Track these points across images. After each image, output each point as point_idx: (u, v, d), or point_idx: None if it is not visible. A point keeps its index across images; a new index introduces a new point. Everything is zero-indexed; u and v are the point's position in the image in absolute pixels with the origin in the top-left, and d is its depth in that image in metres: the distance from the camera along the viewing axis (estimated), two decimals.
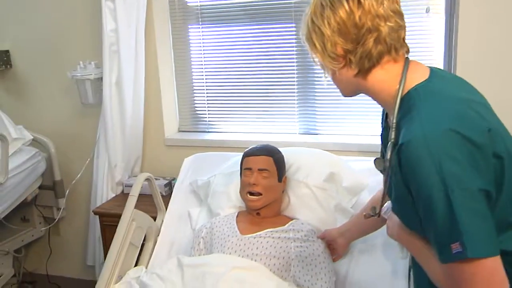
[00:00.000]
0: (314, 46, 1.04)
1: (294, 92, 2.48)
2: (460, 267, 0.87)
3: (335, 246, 1.69)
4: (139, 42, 2.45)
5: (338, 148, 2.28)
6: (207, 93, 2.64)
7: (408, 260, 1.67)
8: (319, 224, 1.75)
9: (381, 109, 2.24)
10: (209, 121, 2.68)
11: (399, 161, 0.93)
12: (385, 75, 1.02)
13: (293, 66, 2.45)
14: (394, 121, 0.99)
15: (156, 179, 2.54)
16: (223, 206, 1.87)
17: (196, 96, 2.67)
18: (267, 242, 1.64)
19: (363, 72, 1.02)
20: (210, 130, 2.69)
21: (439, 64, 2.16)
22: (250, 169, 1.73)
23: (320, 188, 1.81)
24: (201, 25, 2.56)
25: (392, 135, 0.99)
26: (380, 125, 1.27)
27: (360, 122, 2.41)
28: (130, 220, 1.85)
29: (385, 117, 1.18)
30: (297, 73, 2.45)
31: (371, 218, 1.53)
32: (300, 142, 2.44)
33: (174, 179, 2.55)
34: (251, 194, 1.72)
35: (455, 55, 2.03)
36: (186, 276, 1.61)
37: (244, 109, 2.60)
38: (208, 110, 2.67)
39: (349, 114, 2.42)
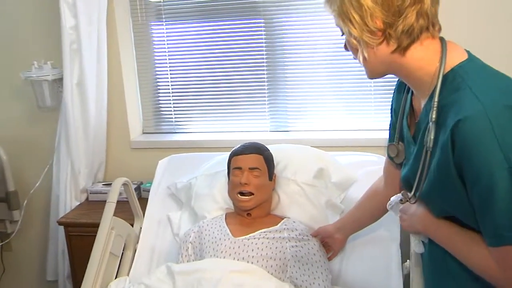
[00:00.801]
0: (350, 20, 0.97)
1: (264, 89, 2.44)
2: None
3: (331, 242, 1.65)
4: (101, 40, 2.31)
5: (310, 144, 2.26)
6: (172, 92, 2.54)
7: (399, 253, 1.68)
8: (310, 221, 1.71)
9: (351, 102, 2.31)
10: (175, 121, 2.58)
11: (452, 139, 0.90)
12: (424, 52, 0.98)
13: (263, 62, 2.40)
14: (436, 99, 0.95)
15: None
16: (209, 209, 1.79)
17: (161, 96, 2.56)
18: (262, 243, 1.59)
19: (402, 48, 0.97)
20: (177, 131, 2.59)
21: None
22: (240, 168, 1.67)
23: (310, 185, 1.77)
24: (164, 22, 2.46)
25: (433, 114, 0.95)
26: (390, 110, 1.23)
27: (331, 117, 2.40)
28: (110, 228, 1.72)
29: (410, 99, 1.12)
30: (266, 70, 2.41)
31: (369, 211, 1.51)
32: (272, 139, 2.39)
33: (142, 183, 2.45)
34: (242, 194, 1.65)
35: None
36: (178, 285, 1.53)
37: (213, 108, 2.52)
38: (174, 110, 2.57)
39: (320, 110, 2.41)
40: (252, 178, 1.65)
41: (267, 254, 1.56)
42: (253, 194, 1.64)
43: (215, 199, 1.80)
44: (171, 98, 2.55)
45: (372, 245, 1.71)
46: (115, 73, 2.43)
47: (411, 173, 1.07)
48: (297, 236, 1.62)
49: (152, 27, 2.48)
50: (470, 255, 0.96)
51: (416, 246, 1.14)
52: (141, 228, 1.93)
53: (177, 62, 2.50)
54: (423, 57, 0.98)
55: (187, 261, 1.67)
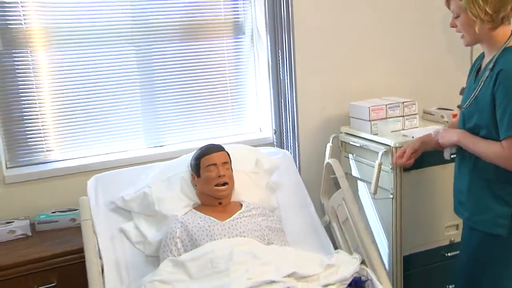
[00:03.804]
0: (483, 10, 1.60)
1: (138, 108, 2.64)
2: None
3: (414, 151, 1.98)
4: None
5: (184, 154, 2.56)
6: (42, 121, 2.46)
7: (316, 213, 2.27)
8: (260, 201, 2.11)
9: (213, 114, 2.81)
10: (46, 150, 2.50)
11: (496, 77, 1.59)
12: (504, 32, 1.66)
13: (135, 82, 2.61)
14: (495, 58, 1.64)
15: (10, 221, 2.27)
16: (178, 207, 1.98)
17: (28, 126, 2.45)
18: (244, 221, 1.94)
19: (494, 27, 1.64)
20: (48, 161, 2.51)
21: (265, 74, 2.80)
22: (215, 164, 1.96)
23: (254, 172, 2.19)
24: (30, 49, 2.39)
25: (491, 65, 1.64)
26: (468, 75, 1.86)
27: (201, 129, 2.80)
28: (94, 246, 1.74)
29: (480, 64, 1.79)
30: (139, 89, 2.62)
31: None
32: (148, 155, 2.62)
33: (29, 217, 2.32)
34: (218, 185, 1.95)
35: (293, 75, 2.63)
36: (192, 270, 1.73)
37: (86, 132, 2.56)
38: (45, 139, 2.49)
39: (190, 123, 2.77)
40: (226, 170, 1.99)
41: (251, 228, 1.93)
42: (227, 183, 1.97)
43: (181, 198, 2.02)
44: (41, 126, 2.46)
45: (296, 213, 2.27)
46: None
47: (466, 98, 1.76)
48: (262, 212, 2.03)
49: (15, 55, 2.37)
50: (489, 149, 1.64)
51: (446, 154, 1.87)
52: (98, 246, 1.94)
53: (46, 90, 2.45)
54: (501, 34, 1.66)
55: (178, 255, 1.85)
